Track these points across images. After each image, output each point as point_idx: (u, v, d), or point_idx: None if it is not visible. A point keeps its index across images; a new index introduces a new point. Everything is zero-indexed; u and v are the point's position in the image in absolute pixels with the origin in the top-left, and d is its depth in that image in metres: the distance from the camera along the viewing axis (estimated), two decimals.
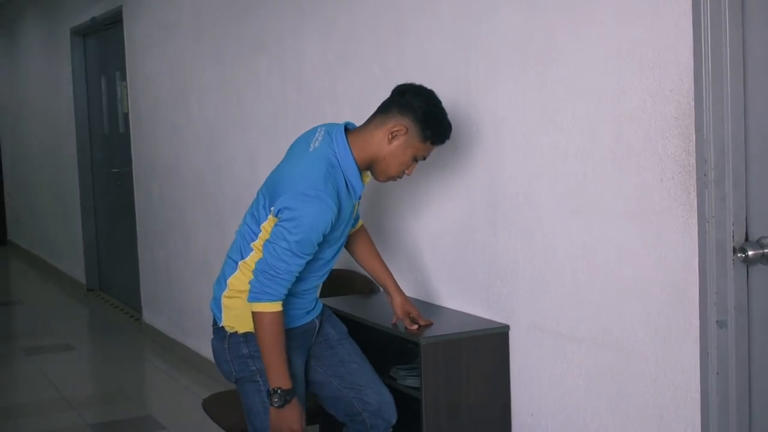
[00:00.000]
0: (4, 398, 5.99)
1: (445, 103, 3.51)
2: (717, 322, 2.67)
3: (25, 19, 11.22)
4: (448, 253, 3.71)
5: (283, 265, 2.96)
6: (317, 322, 3.34)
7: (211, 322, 3.28)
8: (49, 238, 10.92)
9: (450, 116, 3.55)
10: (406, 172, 3.13)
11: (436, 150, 3.65)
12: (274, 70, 5.05)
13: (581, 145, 3.03)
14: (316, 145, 3.08)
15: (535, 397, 3.31)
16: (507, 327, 3.38)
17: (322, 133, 3.13)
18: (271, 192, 3.08)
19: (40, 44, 10.57)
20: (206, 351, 6.19)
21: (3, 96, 12.84)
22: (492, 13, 3.37)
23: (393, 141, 3.05)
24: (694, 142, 2.63)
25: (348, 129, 3.14)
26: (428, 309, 3.61)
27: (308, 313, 3.28)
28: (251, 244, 3.13)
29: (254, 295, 2.99)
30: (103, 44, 8.76)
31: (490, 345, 3.36)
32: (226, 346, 3.20)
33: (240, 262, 3.17)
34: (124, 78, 7.80)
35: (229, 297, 3.19)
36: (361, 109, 4.18)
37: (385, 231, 4.09)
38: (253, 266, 3.06)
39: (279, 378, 3.01)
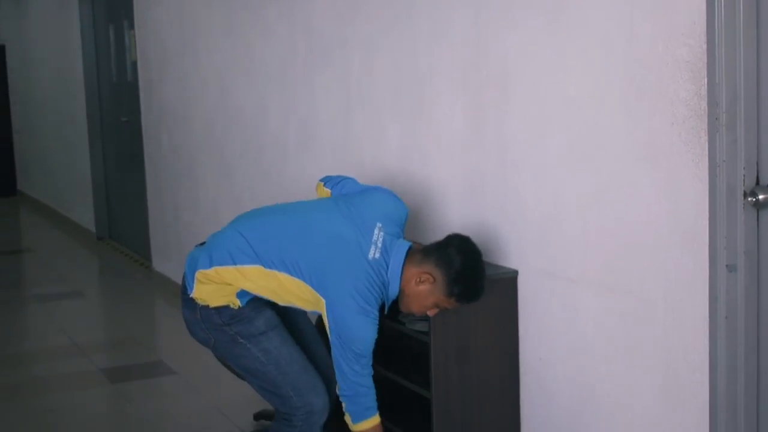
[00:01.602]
0: (15, 345, 6.04)
1: (456, 48, 3.50)
2: (727, 266, 2.67)
3: None
4: (457, 198, 3.71)
5: (363, 379, 3.08)
6: None
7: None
8: (59, 187, 10.94)
9: (460, 62, 3.54)
10: (428, 313, 3.18)
11: (446, 94, 3.64)
12: (282, 18, 5.02)
13: (592, 90, 3.02)
14: (376, 256, 3.12)
15: (544, 342, 3.33)
16: (516, 272, 3.39)
17: (381, 239, 3.16)
18: (318, 272, 3.10)
19: None
20: None
21: (11, 46, 12.81)
22: None
23: (419, 285, 3.11)
24: (705, 86, 2.62)
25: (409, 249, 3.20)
26: None
27: None
28: (264, 268, 3.13)
29: (357, 417, 3.11)
30: None
31: (500, 289, 3.37)
32: (198, 317, 3.23)
33: (236, 267, 3.16)
34: (132, 26, 7.77)
35: (206, 278, 3.18)
36: (370, 56, 4.17)
37: (394, 175, 4.09)
38: (248, 276, 3.13)
39: None
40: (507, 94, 3.38)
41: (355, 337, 3.04)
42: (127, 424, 4.58)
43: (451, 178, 3.73)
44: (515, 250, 3.41)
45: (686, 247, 2.73)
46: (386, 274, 3.12)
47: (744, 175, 2.65)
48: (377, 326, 3.08)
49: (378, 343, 3.13)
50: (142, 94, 7.60)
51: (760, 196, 2.63)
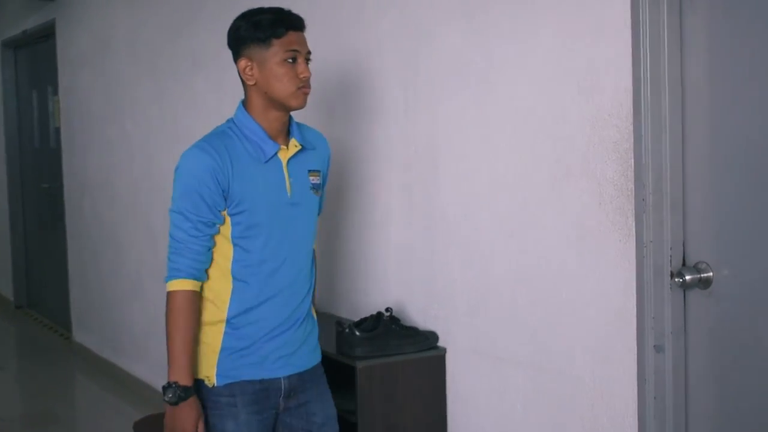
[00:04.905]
0: None
1: (384, 122, 3.50)
2: (654, 346, 2.67)
3: None
4: (385, 275, 3.68)
5: (178, 233, 2.68)
6: (284, 383, 2.80)
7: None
8: None
9: (389, 138, 3.54)
10: (300, 76, 2.73)
11: (377, 170, 3.63)
12: (210, 87, 4.99)
13: (520, 168, 3.03)
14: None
15: (473, 421, 3.29)
16: (444, 350, 3.36)
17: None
18: None
19: None
20: (138, 371, 6.09)
21: None
22: (432, 32, 3.36)
23: (253, 76, 2.73)
24: (632, 166, 2.64)
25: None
26: None
27: (259, 364, 2.77)
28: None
29: (167, 276, 2.70)
30: (34, 57, 8.62)
31: (427, 368, 3.33)
32: None
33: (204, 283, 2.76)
34: (56, 92, 7.68)
35: (198, 342, 2.77)
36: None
37: (323, 253, 4.05)
38: (211, 276, 2.75)
39: (178, 371, 2.65)
40: (435, 169, 3.38)
41: (180, 176, 2.69)
42: None
43: (379, 253, 3.71)
44: (443, 328, 3.38)
45: (614, 327, 2.73)
46: (229, 124, 2.79)
47: (671, 256, 2.67)
48: (209, 159, 2.65)
49: None
50: (65, 161, 7.49)
51: (687, 277, 2.64)
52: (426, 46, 3.40)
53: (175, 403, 2.65)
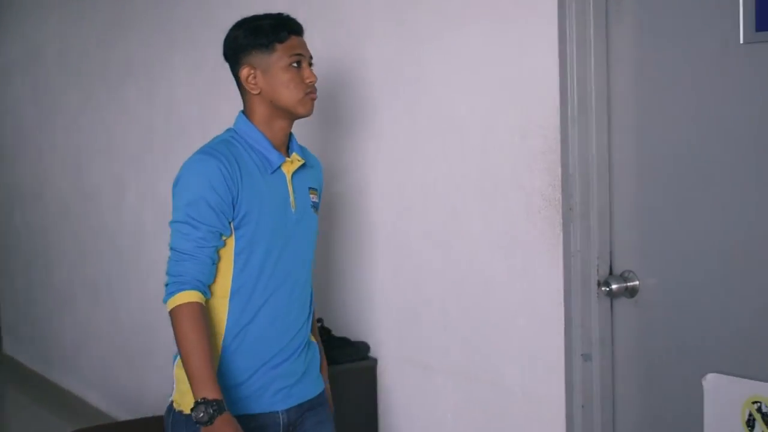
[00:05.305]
0: None
1: (314, 132, 3.49)
2: (582, 355, 2.69)
3: None
4: (316, 285, 3.66)
5: (183, 243, 2.46)
6: (283, 417, 2.60)
7: None
8: None
9: (321, 146, 3.53)
10: (307, 81, 2.61)
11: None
12: (142, 98, 4.94)
13: (450, 178, 3.03)
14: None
15: (404, 431, 3.28)
16: (375, 360, 3.35)
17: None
18: None
19: None
20: (70, 384, 6.01)
21: None
22: (362, 41, 3.36)
23: (257, 84, 2.61)
24: (560, 176, 2.66)
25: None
26: None
27: (256, 397, 2.57)
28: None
29: (167, 292, 2.45)
30: None
31: (359, 378, 3.32)
32: (170, 421, 2.61)
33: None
34: None
35: (180, 367, 2.54)
36: None
37: None
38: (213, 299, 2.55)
39: (203, 387, 2.36)
40: (366, 179, 3.38)
41: (187, 184, 2.49)
42: None
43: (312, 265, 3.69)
44: (375, 338, 3.37)
45: (543, 336, 2.74)
46: (232, 133, 2.63)
47: (598, 265, 2.69)
48: (218, 164, 2.47)
49: None
50: None
51: (614, 286, 2.67)
52: (356, 54, 3.39)
53: (209, 422, 2.33)
